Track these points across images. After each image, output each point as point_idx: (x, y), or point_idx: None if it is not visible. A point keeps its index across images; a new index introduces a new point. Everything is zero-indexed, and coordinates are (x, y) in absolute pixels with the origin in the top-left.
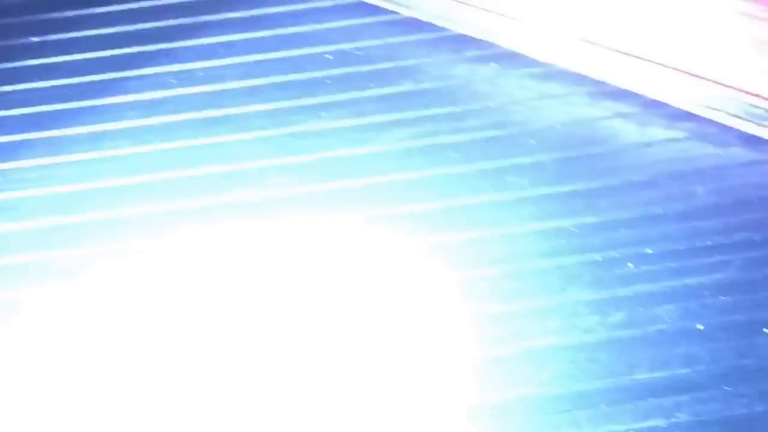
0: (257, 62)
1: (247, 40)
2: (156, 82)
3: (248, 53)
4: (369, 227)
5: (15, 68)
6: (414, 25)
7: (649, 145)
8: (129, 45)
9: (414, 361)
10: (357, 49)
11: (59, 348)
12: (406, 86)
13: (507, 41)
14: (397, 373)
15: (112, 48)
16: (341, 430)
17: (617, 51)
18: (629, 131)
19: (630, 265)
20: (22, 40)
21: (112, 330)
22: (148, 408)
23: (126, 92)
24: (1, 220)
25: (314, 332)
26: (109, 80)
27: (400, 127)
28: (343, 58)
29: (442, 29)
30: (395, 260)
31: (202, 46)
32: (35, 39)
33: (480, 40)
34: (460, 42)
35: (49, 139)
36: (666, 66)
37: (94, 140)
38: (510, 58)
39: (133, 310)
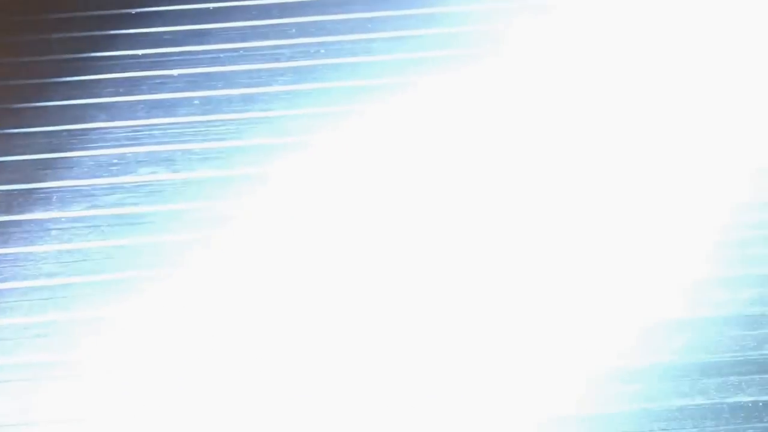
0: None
1: None
2: (305, 51)
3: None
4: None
5: (177, 31)
6: None
7: None
8: (282, 16)
9: (554, 322)
10: None
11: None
12: None
13: None
14: (537, 335)
15: (269, 18)
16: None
17: None
18: None
19: (761, 246)
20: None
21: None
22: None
23: (277, 60)
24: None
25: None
26: (265, 47)
27: None
28: None
29: None
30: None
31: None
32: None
33: None
34: None
35: (207, 98)
36: None
37: (247, 101)
38: None
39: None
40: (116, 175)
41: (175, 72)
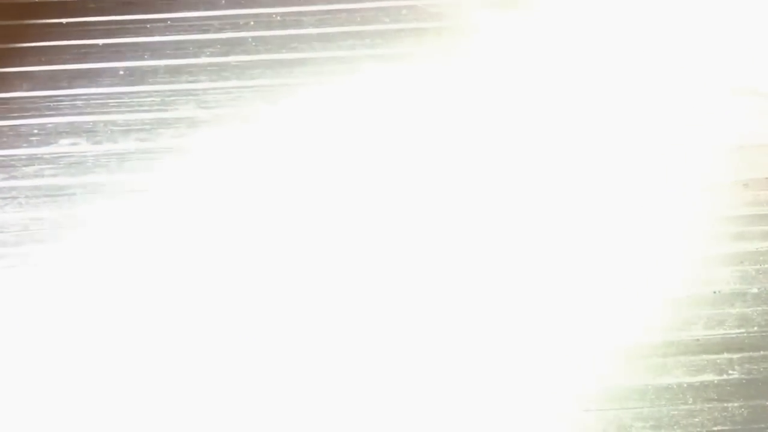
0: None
1: None
2: (235, 23)
3: None
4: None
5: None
6: None
7: None
8: None
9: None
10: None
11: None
12: None
13: None
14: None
15: None
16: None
17: None
18: None
19: None
20: None
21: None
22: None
23: (206, 32)
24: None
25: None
26: (193, 17)
27: None
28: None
29: None
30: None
31: None
32: None
33: None
34: None
35: (132, 68)
36: None
37: (173, 73)
38: None
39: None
40: (36, 146)
41: (100, 42)
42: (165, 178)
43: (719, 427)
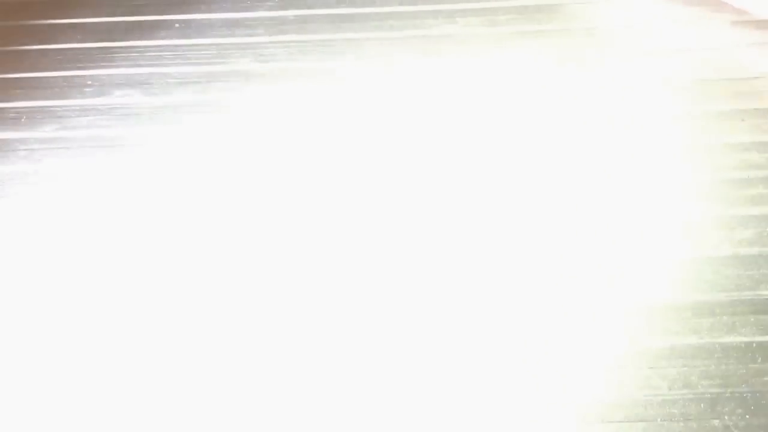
0: None
1: None
2: None
3: None
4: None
5: None
6: None
7: None
8: None
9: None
10: None
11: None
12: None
13: None
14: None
15: None
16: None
17: None
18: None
19: (761, 186)
20: None
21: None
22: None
23: None
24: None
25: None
26: None
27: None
28: None
29: None
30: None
31: None
32: None
33: None
34: None
35: (188, 21)
36: None
37: (230, 26)
38: None
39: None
40: (90, 97)
41: None
42: (217, 131)
43: None
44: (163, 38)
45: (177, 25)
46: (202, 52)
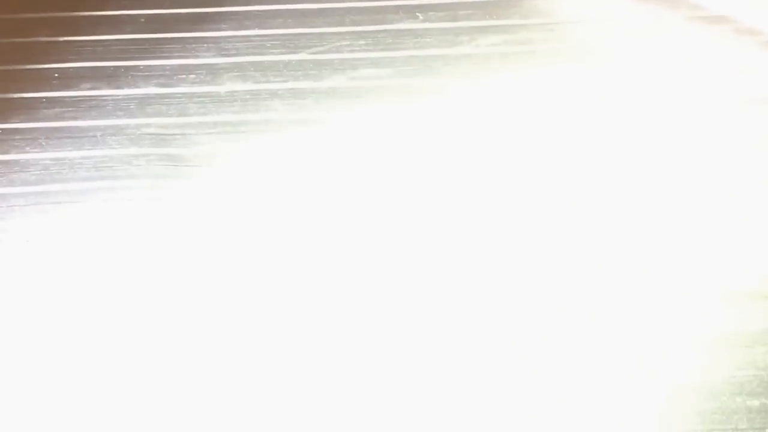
0: None
1: None
2: None
3: None
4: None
5: None
6: None
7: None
8: None
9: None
10: None
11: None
12: None
13: None
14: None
15: None
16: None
17: None
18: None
19: None
20: None
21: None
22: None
23: None
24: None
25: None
26: None
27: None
28: None
29: None
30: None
31: None
32: None
33: None
34: None
35: (152, 15)
36: None
37: (196, 21)
38: None
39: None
40: (57, 89)
41: None
42: (184, 123)
43: None
44: (129, 32)
45: (142, 20)
46: (168, 46)
